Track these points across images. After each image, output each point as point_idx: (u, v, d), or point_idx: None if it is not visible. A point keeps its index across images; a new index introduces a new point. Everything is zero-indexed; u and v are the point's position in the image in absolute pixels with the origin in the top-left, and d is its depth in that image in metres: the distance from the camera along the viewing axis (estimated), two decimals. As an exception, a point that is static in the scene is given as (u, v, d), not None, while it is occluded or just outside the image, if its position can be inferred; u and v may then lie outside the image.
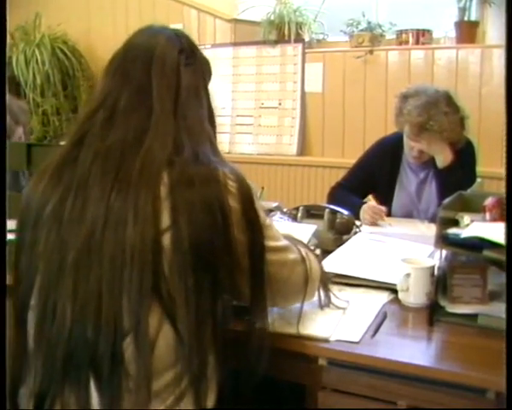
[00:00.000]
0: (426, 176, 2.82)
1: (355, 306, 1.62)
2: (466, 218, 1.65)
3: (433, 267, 1.66)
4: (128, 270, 1.14)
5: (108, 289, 1.15)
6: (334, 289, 1.66)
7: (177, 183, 1.19)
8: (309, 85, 4.47)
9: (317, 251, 1.77)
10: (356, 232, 2.26)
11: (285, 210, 2.39)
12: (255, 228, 1.27)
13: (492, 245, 1.47)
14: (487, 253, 1.48)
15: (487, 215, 1.69)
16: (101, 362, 1.14)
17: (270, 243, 1.32)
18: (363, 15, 4.32)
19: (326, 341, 1.43)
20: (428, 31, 4.20)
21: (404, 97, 2.75)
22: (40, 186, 1.26)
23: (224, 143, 4.60)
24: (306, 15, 4.56)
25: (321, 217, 2.23)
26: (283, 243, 1.38)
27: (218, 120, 1.43)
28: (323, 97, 4.43)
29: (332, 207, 2.30)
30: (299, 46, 4.49)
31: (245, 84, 4.71)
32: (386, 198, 2.85)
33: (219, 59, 4.66)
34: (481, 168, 2.90)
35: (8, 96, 3.16)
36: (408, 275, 1.65)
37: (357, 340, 1.43)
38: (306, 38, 4.52)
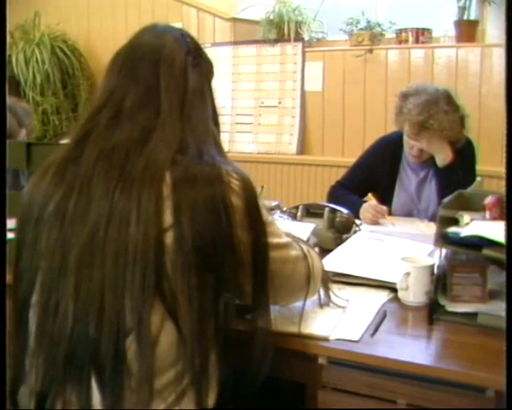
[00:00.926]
0: (426, 175, 2.82)
1: (355, 305, 1.62)
2: (466, 217, 1.65)
3: (432, 266, 1.66)
4: (130, 268, 1.14)
5: (111, 288, 1.15)
6: (334, 288, 1.66)
7: (180, 181, 1.18)
8: (309, 84, 4.47)
9: (316, 250, 1.77)
10: (355, 231, 2.26)
11: (285, 209, 2.39)
12: (258, 227, 1.26)
13: (492, 244, 1.46)
14: (487, 251, 1.48)
15: (487, 214, 1.69)
16: (103, 361, 1.14)
17: (273, 240, 1.32)
18: (363, 14, 4.31)
19: (326, 339, 1.43)
20: (428, 30, 4.19)
21: (404, 96, 2.75)
22: (43, 184, 1.26)
23: (223, 141, 4.56)
24: (306, 14, 4.56)
25: (321, 216, 2.23)
26: (285, 239, 1.38)
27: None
28: (323, 96, 4.42)
29: (332, 205, 2.30)
30: (299, 45, 4.49)
31: (245, 83, 4.71)
32: (385, 197, 2.85)
33: (219, 58, 4.65)
34: (481, 167, 2.90)
35: (13, 99, 3.19)
36: (408, 274, 1.65)
37: (356, 339, 1.43)
38: (306, 37, 4.52)
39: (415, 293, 1.64)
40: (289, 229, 1.66)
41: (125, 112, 1.26)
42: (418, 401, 1.35)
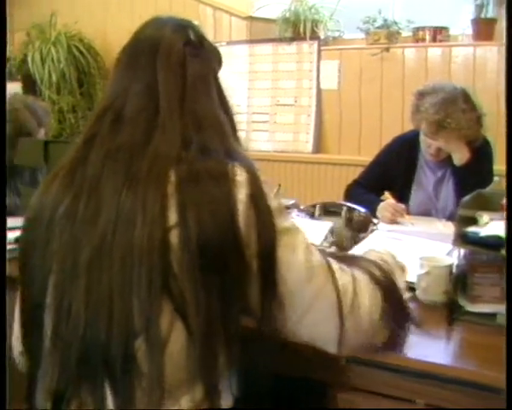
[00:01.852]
0: (443, 174, 2.81)
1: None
2: (485, 216, 1.64)
3: (451, 266, 1.65)
4: (137, 270, 1.13)
5: (119, 291, 1.14)
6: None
7: (184, 179, 1.17)
8: (325, 83, 4.47)
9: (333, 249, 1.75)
10: (373, 230, 2.25)
11: (302, 207, 2.38)
12: (265, 221, 1.20)
13: (511, 244, 1.46)
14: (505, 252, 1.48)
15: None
16: (113, 362, 1.14)
17: (287, 242, 1.23)
18: (380, 12, 4.30)
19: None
20: (445, 28, 4.17)
21: (421, 95, 2.73)
22: (53, 187, 1.26)
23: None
24: (322, 13, 4.55)
25: (338, 214, 2.23)
26: (309, 255, 1.26)
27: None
28: (339, 95, 4.42)
29: (349, 204, 2.30)
30: (315, 44, 4.48)
31: (261, 81, 4.71)
32: (403, 196, 2.84)
33: (235, 56, 4.67)
34: (499, 166, 2.87)
35: (31, 98, 3.20)
36: (426, 273, 1.64)
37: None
38: (322, 36, 4.51)
39: (433, 292, 1.63)
40: (306, 228, 1.64)
41: (127, 115, 1.25)
42: (436, 400, 1.35)
